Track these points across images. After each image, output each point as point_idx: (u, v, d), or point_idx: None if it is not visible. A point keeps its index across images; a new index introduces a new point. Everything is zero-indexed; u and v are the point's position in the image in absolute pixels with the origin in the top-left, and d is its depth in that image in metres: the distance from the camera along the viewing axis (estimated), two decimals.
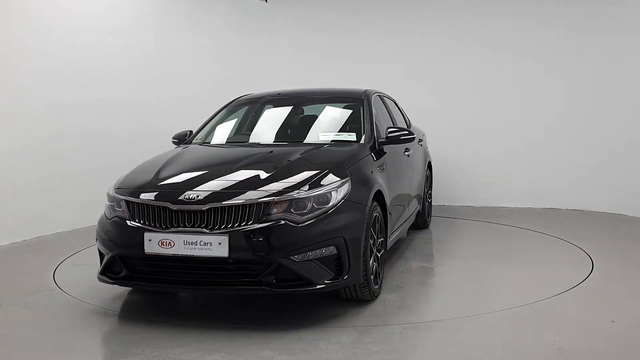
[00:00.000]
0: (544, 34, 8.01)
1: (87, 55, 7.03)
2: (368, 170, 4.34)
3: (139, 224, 3.81)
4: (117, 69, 7.37)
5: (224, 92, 8.33)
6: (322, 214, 3.71)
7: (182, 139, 5.37)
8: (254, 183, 3.86)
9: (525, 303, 4.11)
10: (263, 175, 3.97)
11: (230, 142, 5.30)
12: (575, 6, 7.85)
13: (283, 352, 3.33)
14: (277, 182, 3.86)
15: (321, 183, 3.85)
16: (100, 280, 4.01)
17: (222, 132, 5.53)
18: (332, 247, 3.69)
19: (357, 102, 5.28)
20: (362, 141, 4.76)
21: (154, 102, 7.76)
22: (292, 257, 3.58)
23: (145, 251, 3.72)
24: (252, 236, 3.58)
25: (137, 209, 3.87)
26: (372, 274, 4.07)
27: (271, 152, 4.58)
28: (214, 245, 3.59)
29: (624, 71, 7.46)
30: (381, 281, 4.33)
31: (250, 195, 3.70)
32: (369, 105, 5.18)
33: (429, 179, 6.88)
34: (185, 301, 4.30)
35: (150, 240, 3.71)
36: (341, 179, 3.94)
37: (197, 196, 3.72)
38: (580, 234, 6.38)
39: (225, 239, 3.58)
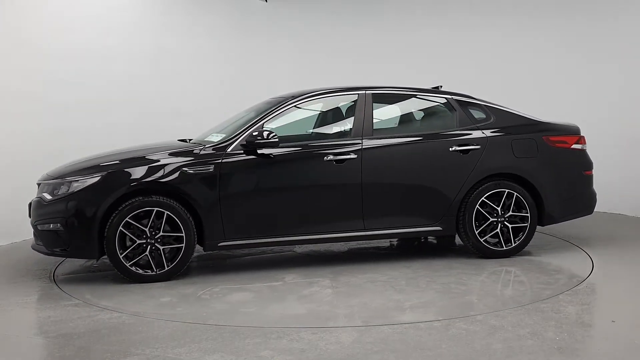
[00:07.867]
0: (539, 34, 8.01)
1: (87, 55, 7.04)
2: (133, 169, 4.79)
3: None
4: (117, 68, 7.37)
5: (224, 92, 8.37)
6: (62, 198, 4.71)
7: None
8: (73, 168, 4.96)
9: (526, 303, 4.11)
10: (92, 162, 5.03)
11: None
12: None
13: (283, 352, 3.33)
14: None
15: (79, 172, 4.81)
16: None
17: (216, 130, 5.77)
18: (58, 224, 4.68)
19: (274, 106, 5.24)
20: (215, 142, 5.03)
21: (154, 102, 7.76)
22: (38, 226, 4.78)
23: None
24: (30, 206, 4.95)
25: None
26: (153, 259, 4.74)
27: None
28: None
29: (624, 70, 7.46)
30: (171, 268, 4.77)
31: (43, 177, 5.04)
32: (267, 109, 5.17)
33: (512, 198, 5.33)
34: (186, 301, 4.31)
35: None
36: (94, 173, 4.76)
37: (47, 174, 5.08)
38: (580, 234, 6.38)
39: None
